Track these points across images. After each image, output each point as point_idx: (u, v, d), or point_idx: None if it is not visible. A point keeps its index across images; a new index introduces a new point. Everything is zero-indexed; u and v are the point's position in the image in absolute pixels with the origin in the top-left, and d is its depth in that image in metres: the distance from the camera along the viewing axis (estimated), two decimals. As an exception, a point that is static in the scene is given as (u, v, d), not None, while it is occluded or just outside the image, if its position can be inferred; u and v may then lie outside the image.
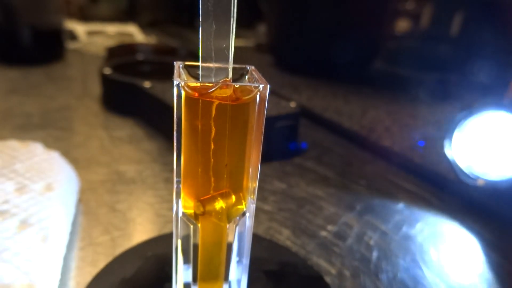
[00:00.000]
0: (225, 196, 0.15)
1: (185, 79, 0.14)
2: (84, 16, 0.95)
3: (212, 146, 0.14)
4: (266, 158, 0.37)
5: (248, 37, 0.92)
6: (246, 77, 0.16)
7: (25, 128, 0.38)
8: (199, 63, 0.14)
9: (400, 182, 0.35)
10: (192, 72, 0.15)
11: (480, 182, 0.30)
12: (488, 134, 0.30)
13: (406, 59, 0.73)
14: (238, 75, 0.16)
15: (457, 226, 0.29)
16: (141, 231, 0.25)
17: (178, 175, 0.15)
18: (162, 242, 0.23)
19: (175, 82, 0.13)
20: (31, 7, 0.59)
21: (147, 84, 0.41)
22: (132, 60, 0.52)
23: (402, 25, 0.73)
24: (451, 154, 0.31)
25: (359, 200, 0.31)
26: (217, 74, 0.14)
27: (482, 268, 0.25)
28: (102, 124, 0.42)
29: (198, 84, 0.14)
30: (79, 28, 0.79)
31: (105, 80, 0.46)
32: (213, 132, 0.14)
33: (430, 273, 0.23)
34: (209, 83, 0.14)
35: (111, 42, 0.72)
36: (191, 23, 0.99)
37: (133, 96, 0.42)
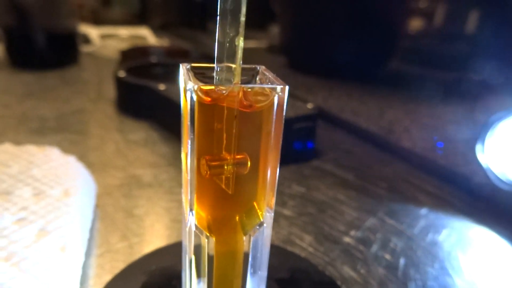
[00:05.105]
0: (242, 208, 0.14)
1: (195, 82, 0.13)
2: (97, 20, 0.95)
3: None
4: (284, 161, 0.36)
5: (260, 38, 0.92)
6: (258, 78, 0.15)
7: (40, 132, 0.38)
8: (215, 64, 0.13)
9: (423, 184, 0.33)
10: (198, 74, 0.14)
11: None
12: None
13: (421, 58, 0.71)
14: (249, 77, 0.15)
15: (487, 231, 0.28)
16: (159, 237, 0.24)
17: (192, 185, 0.14)
18: (166, 254, 0.22)
19: (188, 86, 0.12)
20: (45, 11, 0.59)
21: (161, 87, 0.40)
22: (146, 63, 0.52)
23: (417, 24, 0.72)
24: (484, 160, 0.30)
25: (381, 204, 0.30)
26: (225, 76, 0.13)
27: (516, 276, 0.23)
28: (117, 127, 0.41)
29: (213, 87, 0.13)
30: (93, 31, 0.80)
31: (120, 83, 0.45)
32: (225, 139, 0.13)
33: (461, 281, 0.22)
34: (222, 86, 0.13)
35: (124, 45, 0.72)
36: (203, 25, 0.99)
37: (148, 98, 0.42)
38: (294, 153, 0.36)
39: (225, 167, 0.13)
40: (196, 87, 0.12)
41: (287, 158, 0.36)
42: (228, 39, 0.12)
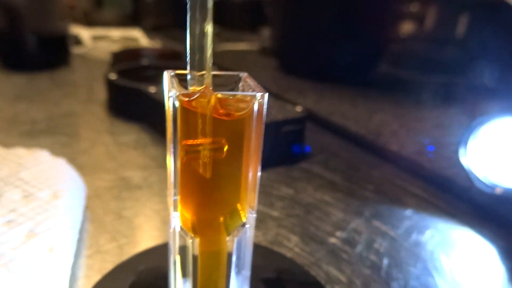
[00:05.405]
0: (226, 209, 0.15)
1: (177, 89, 0.14)
2: (89, 21, 0.95)
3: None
4: (272, 163, 0.37)
5: (252, 41, 0.92)
6: (240, 85, 0.16)
7: (31, 134, 0.38)
8: (187, 71, 0.13)
9: (409, 187, 0.34)
10: (183, 81, 0.14)
11: (498, 191, 0.29)
12: (502, 141, 0.30)
13: (411, 62, 0.72)
14: (231, 85, 0.15)
15: (469, 232, 0.28)
16: (148, 238, 0.25)
17: (176, 186, 0.14)
18: (154, 255, 0.22)
19: (170, 94, 0.13)
20: (36, 13, 0.59)
21: (152, 89, 0.41)
22: (137, 65, 0.52)
23: (407, 27, 0.73)
24: (466, 163, 0.31)
25: (368, 206, 0.30)
26: (198, 81, 0.13)
27: (496, 276, 0.24)
28: (108, 129, 0.42)
29: (189, 92, 0.13)
30: (84, 33, 0.80)
31: (110, 86, 0.46)
32: (200, 124, 0.13)
33: (442, 281, 0.23)
34: (192, 91, 0.13)
35: (116, 47, 0.72)
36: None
37: (139, 101, 0.42)
38: (283, 156, 0.37)
39: (202, 151, 0.13)
40: (177, 93, 0.13)
41: (276, 161, 0.36)
42: (199, 49, 0.13)
